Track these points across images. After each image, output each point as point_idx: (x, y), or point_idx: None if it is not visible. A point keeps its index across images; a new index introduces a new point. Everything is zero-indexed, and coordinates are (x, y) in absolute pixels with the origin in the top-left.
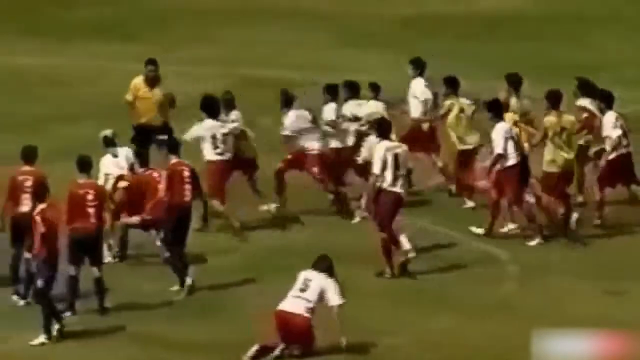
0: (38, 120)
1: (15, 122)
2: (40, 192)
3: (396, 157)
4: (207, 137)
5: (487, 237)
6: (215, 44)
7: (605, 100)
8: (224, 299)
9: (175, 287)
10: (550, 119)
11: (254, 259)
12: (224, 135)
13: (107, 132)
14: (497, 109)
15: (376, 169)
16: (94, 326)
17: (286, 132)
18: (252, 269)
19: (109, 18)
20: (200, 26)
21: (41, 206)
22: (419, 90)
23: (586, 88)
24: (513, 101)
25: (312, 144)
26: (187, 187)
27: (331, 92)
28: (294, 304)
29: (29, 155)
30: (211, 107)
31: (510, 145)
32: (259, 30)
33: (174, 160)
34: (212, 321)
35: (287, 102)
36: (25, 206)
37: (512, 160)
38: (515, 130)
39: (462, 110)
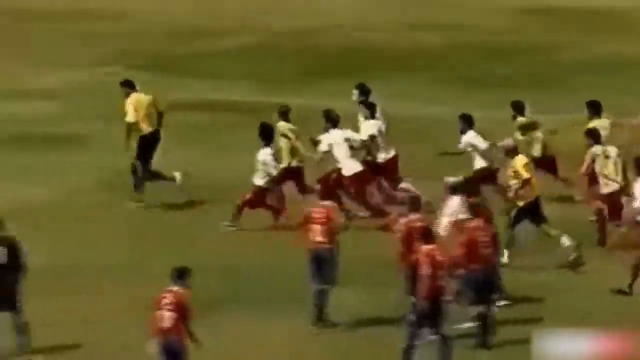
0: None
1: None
2: (426, 234)
3: None
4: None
5: None
6: (575, 92)
7: None
8: None
9: None
10: None
11: None
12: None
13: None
14: None
15: (638, 203)
16: None
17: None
18: None
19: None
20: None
21: (427, 247)
22: None
23: None
24: None
25: None
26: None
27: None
28: None
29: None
30: (265, 133)
31: None
32: (618, 79)
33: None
34: None
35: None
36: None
37: None
38: None
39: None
